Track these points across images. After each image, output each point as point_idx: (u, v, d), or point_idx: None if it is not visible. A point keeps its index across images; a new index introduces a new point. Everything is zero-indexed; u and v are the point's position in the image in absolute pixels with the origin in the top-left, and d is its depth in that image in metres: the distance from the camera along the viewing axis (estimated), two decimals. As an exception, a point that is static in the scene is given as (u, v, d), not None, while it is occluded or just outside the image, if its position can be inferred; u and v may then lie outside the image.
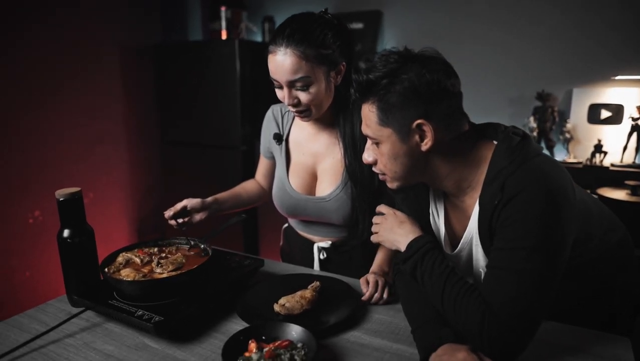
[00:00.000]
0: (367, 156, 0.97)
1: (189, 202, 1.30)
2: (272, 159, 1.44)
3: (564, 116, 2.39)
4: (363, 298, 1.11)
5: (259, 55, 2.70)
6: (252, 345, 0.87)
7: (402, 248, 0.96)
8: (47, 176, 2.57)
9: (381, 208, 1.06)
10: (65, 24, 2.59)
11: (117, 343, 0.95)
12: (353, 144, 1.21)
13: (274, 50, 1.12)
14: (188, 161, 2.85)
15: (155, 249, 1.18)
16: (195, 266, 1.06)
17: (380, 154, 0.93)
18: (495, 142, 0.93)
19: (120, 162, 3.01)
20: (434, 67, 0.86)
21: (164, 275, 1.03)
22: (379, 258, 1.22)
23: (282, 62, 1.10)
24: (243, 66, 2.54)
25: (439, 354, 0.81)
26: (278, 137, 1.36)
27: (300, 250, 1.42)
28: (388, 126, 0.89)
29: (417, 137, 0.88)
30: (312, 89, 1.13)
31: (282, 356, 0.82)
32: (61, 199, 1.06)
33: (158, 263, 1.08)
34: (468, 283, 0.86)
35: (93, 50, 2.75)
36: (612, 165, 2.22)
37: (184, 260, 1.11)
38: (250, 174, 2.72)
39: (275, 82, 1.17)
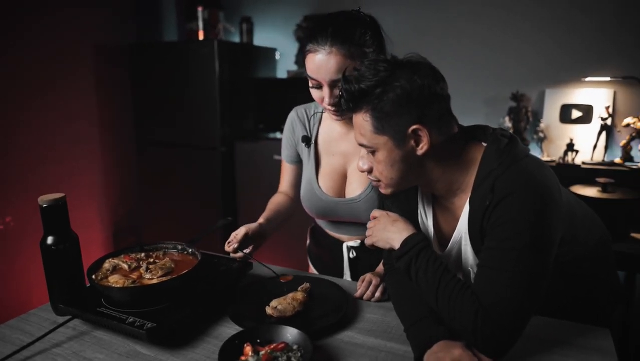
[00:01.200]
0: (362, 165, 0.98)
1: (248, 228, 1.21)
2: (298, 163, 1.41)
3: (538, 116, 2.48)
4: (355, 295, 1.13)
5: (237, 56, 2.68)
6: (248, 349, 0.87)
7: (396, 245, 0.97)
8: (18, 180, 2.48)
9: (374, 211, 1.08)
10: (37, 23, 2.51)
11: (107, 352, 0.93)
12: None
13: (316, 49, 1.09)
14: (166, 162, 2.80)
15: (142, 254, 1.16)
16: (185, 270, 1.05)
17: (376, 162, 0.94)
18: (483, 144, 0.96)
19: (95, 164, 2.93)
20: (422, 72, 0.88)
21: (154, 281, 1.02)
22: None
23: (326, 61, 1.08)
24: (222, 67, 2.52)
25: (434, 351, 0.83)
26: (307, 140, 1.34)
27: (329, 249, 1.42)
28: (383, 134, 0.90)
29: (412, 143, 0.90)
30: None
31: (279, 359, 0.82)
32: (44, 205, 1.03)
33: (147, 269, 1.06)
34: (461, 281, 0.88)
35: (66, 49, 2.67)
36: (584, 163, 2.31)
37: (172, 265, 1.10)
38: (230, 175, 2.72)
39: (313, 82, 1.14)
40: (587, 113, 2.34)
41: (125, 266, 1.09)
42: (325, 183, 1.33)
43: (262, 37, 3.06)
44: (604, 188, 2.00)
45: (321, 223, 1.43)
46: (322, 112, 1.33)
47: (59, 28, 2.62)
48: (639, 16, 2.20)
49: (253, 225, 1.23)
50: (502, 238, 0.84)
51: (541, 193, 0.84)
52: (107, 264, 1.09)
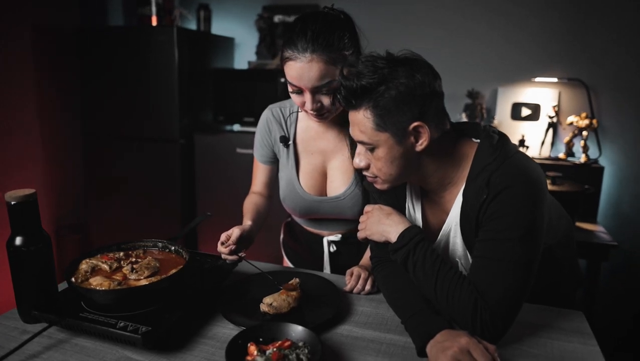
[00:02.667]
0: (359, 161, 0.98)
1: (242, 230, 1.14)
2: (272, 164, 1.37)
3: (491, 112, 2.61)
4: (345, 288, 1.13)
5: (196, 45, 2.57)
6: (252, 348, 0.84)
7: (393, 237, 0.98)
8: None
9: (367, 206, 1.08)
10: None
11: (95, 360, 0.86)
12: None
13: (296, 56, 1.06)
14: (117, 154, 2.63)
15: (121, 253, 1.09)
16: (175, 270, 1.00)
17: (376, 159, 0.95)
18: (474, 140, 1.00)
19: (34, 157, 2.69)
20: (422, 69, 0.89)
21: (143, 281, 0.96)
22: (368, 254, 1.24)
23: (308, 69, 1.05)
24: (181, 55, 2.40)
25: (439, 340, 0.85)
26: (285, 140, 1.30)
27: (308, 244, 1.40)
28: (385, 131, 0.90)
29: (412, 139, 0.91)
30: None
31: (290, 357, 0.81)
32: (13, 202, 0.93)
33: (132, 269, 0.99)
34: (458, 272, 0.91)
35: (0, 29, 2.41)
36: (533, 158, 2.47)
37: (157, 264, 1.04)
38: (189, 168, 2.61)
39: (293, 87, 1.11)
40: (535, 111, 2.51)
41: (105, 266, 1.02)
42: (307, 182, 1.31)
43: (218, 26, 2.96)
44: (553, 181, 2.15)
45: (299, 220, 1.41)
46: (297, 112, 1.31)
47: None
48: (583, 22, 2.38)
49: (246, 227, 1.17)
50: (500, 230, 0.88)
51: (534, 186, 0.89)
52: (84, 266, 1.01)
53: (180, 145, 2.47)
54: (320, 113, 1.14)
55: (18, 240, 0.94)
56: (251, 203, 1.35)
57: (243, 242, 1.15)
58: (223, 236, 1.13)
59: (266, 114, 1.34)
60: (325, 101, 1.12)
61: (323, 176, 1.31)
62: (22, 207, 0.94)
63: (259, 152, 1.37)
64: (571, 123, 2.41)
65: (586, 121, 2.36)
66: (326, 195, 1.31)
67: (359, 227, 1.08)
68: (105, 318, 0.89)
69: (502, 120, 2.58)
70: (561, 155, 2.47)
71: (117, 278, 0.97)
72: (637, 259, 2.47)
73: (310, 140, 1.30)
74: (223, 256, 1.13)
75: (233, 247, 1.11)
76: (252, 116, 2.52)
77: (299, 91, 1.11)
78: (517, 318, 0.90)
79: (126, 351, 0.89)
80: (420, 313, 0.93)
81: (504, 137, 0.97)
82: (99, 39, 2.57)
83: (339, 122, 1.26)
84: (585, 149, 2.39)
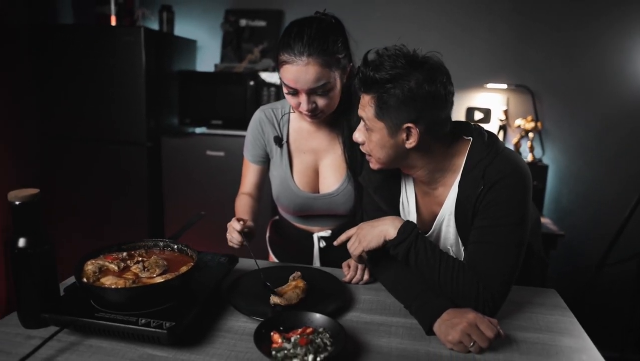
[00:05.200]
0: (358, 136, 1.07)
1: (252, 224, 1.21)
2: (263, 164, 1.39)
3: (448, 116, 2.79)
4: (344, 279, 1.19)
5: (160, 46, 2.52)
6: (276, 336, 0.88)
7: (392, 233, 1.04)
8: None
9: (348, 231, 1.14)
10: None
11: (117, 359, 0.86)
12: (353, 141, 1.26)
13: (293, 60, 1.10)
14: (79, 157, 2.50)
15: (125, 253, 1.08)
16: (185, 267, 1.01)
17: (369, 140, 1.04)
18: (466, 138, 1.10)
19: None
20: (436, 78, 0.96)
21: (157, 279, 0.96)
22: None
23: (304, 72, 1.10)
24: (148, 56, 2.35)
25: (446, 318, 0.94)
26: (278, 140, 1.33)
27: (297, 241, 1.43)
28: (381, 120, 0.99)
29: (403, 136, 1.00)
30: (331, 94, 1.16)
31: (316, 341, 0.85)
32: (17, 202, 0.91)
33: (144, 268, 0.99)
34: (456, 259, 1.01)
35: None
36: (486, 158, 2.67)
37: (165, 262, 1.04)
38: (156, 171, 2.54)
39: (289, 89, 1.15)
40: (487, 115, 2.72)
41: (113, 266, 1.00)
42: (300, 180, 1.36)
43: (180, 29, 2.92)
44: (507, 178, 2.35)
45: (289, 216, 1.45)
46: (290, 113, 1.36)
47: None
48: (529, 35, 2.63)
49: (252, 224, 1.21)
50: (497, 217, 0.98)
51: (524, 177, 1.01)
52: (90, 266, 0.99)
53: (147, 148, 2.41)
54: (314, 113, 1.20)
55: (22, 242, 0.92)
56: (246, 205, 1.36)
57: (247, 236, 1.18)
58: (235, 223, 1.16)
59: (258, 115, 1.37)
60: (320, 102, 1.18)
61: (316, 174, 1.37)
62: (26, 207, 0.92)
63: (250, 153, 1.39)
64: (519, 126, 2.64)
65: (531, 124, 2.60)
66: (319, 192, 1.36)
67: (352, 246, 1.11)
68: (124, 317, 0.88)
69: (458, 123, 2.77)
70: (510, 155, 2.69)
71: (129, 276, 0.96)
72: (576, 247, 2.74)
73: (303, 140, 1.35)
74: (229, 233, 1.16)
75: (246, 229, 1.15)
76: (219, 118, 2.51)
77: (294, 93, 1.16)
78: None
79: (147, 349, 0.89)
80: (422, 295, 1.02)
81: (493, 135, 1.08)
82: (54, 37, 2.44)
83: (330, 122, 1.32)
84: (531, 149, 2.62)
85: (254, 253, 1.18)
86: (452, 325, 0.91)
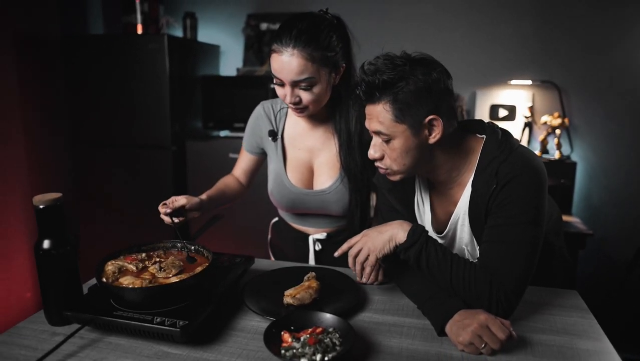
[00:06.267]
0: (374, 152, 1.04)
1: (188, 200, 1.22)
2: (258, 155, 1.44)
3: (471, 114, 2.75)
4: (359, 279, 1.19)
5: (184, 52, 2.59)
6: (286, 336, 0.89)
7: (402, 237, 1.03)
8: None
9: (352, 239, 1.11)
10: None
11: (133, 355, 0.89)
12: (348, 140, 1.27)
13: (280, 49, 1.13)
14: (108, 163, 2.61)
15: (144, 254, 1.12)
16: (201, 267, 1.04)
17: (391, 149, 1.01)
18: (479, 136, 1.08)
19: (18, 166, 2.63)
20: (435, 68, 0.97)
21: (173, 279, 0.99)
22: None
23: (288, 62, 1.13)
24: (172, 63, 2.42)
25: (458, 320, 0.93)
26: (273, 134, 1.36)
27: (294, 243, 1.45)
28: (403, 123, 0.97)
29: (426, 132, 0.99)
30: (315, 89, 1.17)
31: (325, 341, 0.86)
32: (41, 206, 0.96)
33: (160, 268, 1.02)
34: (468, 260, 1.00)
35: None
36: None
37: (182, 263, 1.07)
38: (181, 175, 2.62)
39: (276, 80, 1.18)
40: (511, 112, 2.65)
41: (132, 267, 1.04)
42: (294, 176, 1.37)
43: (203, 34, 2.99)
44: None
45: (286, 216, 1.47)
46: (287, 108, 1.38)
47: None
48: (553, 30, 2.55)
49: (194, 200, 1.24)
50: (510, 215, 0.97)
51: (538, 174, 0.98)
52: (110, 267, 1.03)
53: (172, 151, 2.48)
54: (299, 108, 1.21)
55: (46, 243, 0.96)
56: (222, 181, 1.43)
57: (186, 213, 1.22)
58: (170, 199, 1.21)
59: (258, 109, 1.42)
60: (305, 96, 1.19)
61: (310, 171, 1.38)
62: (50, 211, 0.96)
63: (246, 142, 1.45)
64: (545, 123, 2.57)
65: (558, 120, 2.52)
66: (312, 189, 1.37)
67: (356, 252, 1.07)
68: (141, 315, 0.91)
69: (481, 121, 2.71)
70: (537, 152, 2.62)
71: (147, 277, 1.00)
72: (608, 246, 2.64)
73: (298, 136, 1.37)
74: (161, 216, 1.21)
75: (168, 210, 1.18)
76: (242, 121, 2.55)
77: (281, 84, 1.19)
78: (523, 299, 0.98)
79: (162, 346, 0.92)
80: (435, 296, 1.01)
81: (507, 133, 1.06)
82: (84, 47, 2.56)
83: (326, 120, 1.33)
84: (559, 146, 2.55)
85: (257, 256, 1.20)
86: (463, 326, 0.90)
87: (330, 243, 1.41)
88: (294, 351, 0.84)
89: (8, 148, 2.56)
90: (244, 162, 1.47)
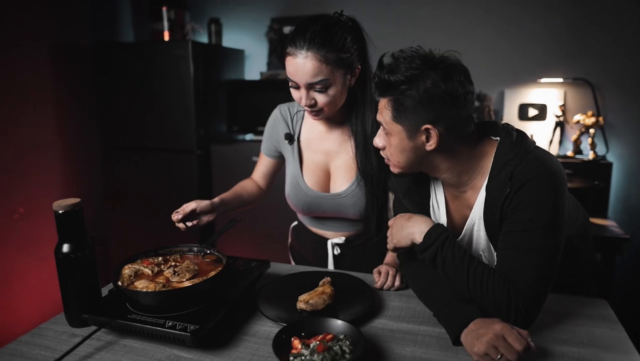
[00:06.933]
0: (378, 142, 1.05)
1: (197, 204, 1.25)
2: (276, 158, 1.44)
3: (499, 114, 2.67)
4: (376, 285, 1.17)
5: (208, 57, 2.64)
6: (296, 342, 0.88)
7: (418, 238, 1.02)
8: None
9: (390, 220, 1.12)
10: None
11: (146, 359, 0.90)
12: (365, 143, 1.26)
13: (294, 52, 1.13)
14: (136, 166, 2.69)
15: (160, 258, 1.13)
16: (214, 272, 1.04)
17: (389, 144, 1.01)
18: (493, 138, 1.04)
19: (54, 171, 2.75)
20: (452, 76, 0.92)
21: (186, 283, 1.00)
22: (391, 253, 1.28)
23: (302, 65, 1.12)
24: (197, 68, 2.47)
25: (473, 329, 0.89)
26: (290, 137, 1.36)
27: (313, 247, 1.44)
28: (399, 123, 0.96)
29: (423, 138, 0.96)
30: (330, 91, 1.16)
31: (334, 348, 0.85)
32: (60, 211, 0.98)
33: (174, 272, 1.04)
34: (487, 265, 0.96)
35: (16, 47, 2.48)
36: (543, 156, 2.51)
37: (196, 267, 1.08)
38: (206, 179, 2.66)
39: (291, 83, 1.18)
40: (542, 111, 2.56)
41: (147, 271, 1.06)
42: (310, 179, 1.36)
43: (228, 39, 3.03)
44: (564, 178, 2.19)
45: (305, 220, 1.46)
46: (304, 110, 1.37)
47: (8, 25, 2.43)
48: (585, 24, 2.45)
49: (203, 203, 1.26)
50: (525, 220, 0.92)
51: (554, 177, 0.94)
52: (127, 271, 1.05)
53: (197, 156, 2.53)
54: (315, 110, 1.20)
55: (65, 247, 0.99)
56: (240, 185, 1.45)
57: (198, 216, 1.25)
58: (182, 207, 1.23)
59: (275, 112, 1.42)
60: (320, 98, 1.18)
61: (326, 174, 1.37)
62: (69, 215, 0.99)
63: (264, 145, 1.46)
64: (578, 122, 2.46)
65: (592, 119, 2.41)
66: (329, 192, 1.35)
67: (388, 239, 1.11)
68: (154, 319, 0.93)
69: (510, 121, 2.63)
70: (569, 153, 2.51)
71: (161, 281, 1.01)
72: (649, 253, 2.50)
73: (315, 140, 1.36)
74: (176, 224, 1.23)
75: (181, 216, 1.21)
76: (265, 125, 2.58)
77: (297, 87, 1.18)
78: (545, 308, 0.93)
79: (174, 350, 0.93)
80: (452, 303, 0.97)
81: (522, 134, 1.02)
82: (114, 54, 2.65)
83: (342, 123, 1.32)
84: (593, 146, 2.43)
85: (274, 259, 1.20)
86: (478, 336, 0.87)
87: (349, 248, 1.39)
88: (302, 358, 0.83)
89: (45, 153, 2.68)
90: (262, 166, 1.48)
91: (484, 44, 2.61)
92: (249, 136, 2.83)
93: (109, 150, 2.76)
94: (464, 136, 0.99)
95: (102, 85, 2.70)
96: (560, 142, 2.55)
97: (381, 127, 1.04)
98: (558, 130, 2.51)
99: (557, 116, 2.50)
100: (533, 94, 2.58)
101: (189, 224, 1.23)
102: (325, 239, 1.41)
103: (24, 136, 2.55)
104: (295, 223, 1.56)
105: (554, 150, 2.57)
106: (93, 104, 2.82)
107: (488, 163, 1.01)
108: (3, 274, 2.38)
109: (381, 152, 1.07)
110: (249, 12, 3.01)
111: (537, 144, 1.04)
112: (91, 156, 2.89)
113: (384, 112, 0.99)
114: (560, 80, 2.49)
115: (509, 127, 1.04)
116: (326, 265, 1.43)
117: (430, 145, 0.97)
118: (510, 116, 2.63)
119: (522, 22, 2.54)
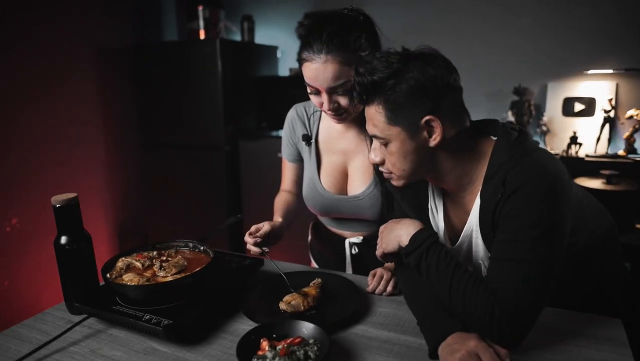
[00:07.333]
0: (374, 157, 0.98)
1: (272, 226, 1.21)
2: (299, 162, 1.42)
3: (540, 109, 2.48)
4: (367, 289, 1.14)
5: (239, 55, 2.68)
6: (264, 344, 0.87)
7: (405, 241, 0.97)
8: (23, 183, 2.49)
9: (381, 227, 1.07)
10: (37, 27, 2.51)
11: (124, 349, 0.94)
12: None
13: (312, 58, 1.09)
14: (169, 162, 2.81)
15: (155, 252, 1.17)
16: (199, 268, 1.06)
17: (389, 153, 0.94)
18: (493, 138, 0.97)
19: (99, 166, 2.94)
20: (435, 63, 0.88)
21: (168, 278, 1.03)
22: None
23: (322, 70, 1.08)
24: (225, 66, 2.52)
25: (449, 343, 0.84)
26: (307, 138, 1.34)
27: (332, 246, 1.43)
28: (397, 125, 0.90)
29: (425, 134, 0.90)
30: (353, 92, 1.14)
31: (297, 353, 0.83)
32: (57, 205, 1.04)
33: (161, 267, 1.07)
34: (473, 274, 0.89)
35: (66, 51, 2.67)
36: (587, 156, 2.32)
37: (185, 263, 1.11)
38: (235, 173, 2.73)
39: (310, 89, 1.15)
40: (589, 106, 2.35)
41: (138, 264, 1.10)
42: (327, 181, 1.33)
43: (262, 35, 3.07)
44: (608, 180, 2.00)
45: (323, 219, 1.44)
46: (320, 110, 1.34)
47: (60, 30, 2.62)
48: (638, 6, 2.20)
49: (276, 224, 1.23)
50: (515, 230, 0.85)
51: (552, 183, 0.85)
52: (120, 263, 1.10)
53: (225, 152, 2.59)
54: (338, 114, 1.17)
55: (63, 239, 1.05)
56: (281, 200, 1.40)
57: (271, 238, 1.20)
58: (253, 228, 1.18)
59: (291, 113, 1.39)
60: (343, 101, 1.14)
61: (344, 175, 1.33)
62: (66, 209, 1.05)
63: (285, 152, 1.42)
64: (631, 117, 2.23)
65: (648, 115, 2.17)
66: (346, 194, 1.32)
67: (377, 247, 1.07)
68: (134, 311, 0.96)
69: (553, 116, 2.44)
70: (621, 152, 2.29)
71: (147, 275, 1.05)
72: None
73: (332, 140, 1.33)
74: (248, 246, 1.18)
75: (259, 240, 1.16)
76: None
77: (317, 92, 1.14)
78: (544, 324, 0.86)
79: (152, 343, 0.96)
80: (436, 314, 0.92)
81: (523, 134, 0.93)
82: (152, 54, 2.77)
83: (360, 122, 1.27)
84: (648, 144, 2.20)
85: (294, 257, 1.18)
86: (452, 351, 0.81)
87: (367, 247, 1.36)
88: (264, 360, 0.82)
89: (90, 149, 2.88)
90: (289, 173, 1.45)
91: (524, 32, 2.44)
92: (278, 133, 2.85)
93: (146, 147, 2.90)
94: (463, 127, 0.93)
95: (141, 84, 2.84)
96: (610, 140, 2.32)
97: (374, 140, 0.98)
98: (607, 126, 2.29)
99: (606, 111, 2.28)
100: (579, 87, 2.37)
101: (266, 249, 1.18)
102: (343, 239, 1.39)
103: (72, 134, 2.74)
104: (315, 221, 1.55)
105: (601, 149, 2.35)
106: (133, 103, 2.98)
107: (485, 165, 0.94)
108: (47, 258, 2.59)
109: (380, 168, 1.01)
110: (283, 8, 3.03)
111: (539, 145, 0.95)
112: (132, 153, 3.05)
113: (376, 118, 0.92)
114: (610, 71, 2.26)
115: (508, 126, 0.96)
116: (344, 264, 1.40)
117: (434, 139, 0.90)
118: (554, 112, 2.44)
119: (568, 6, 2.34)
